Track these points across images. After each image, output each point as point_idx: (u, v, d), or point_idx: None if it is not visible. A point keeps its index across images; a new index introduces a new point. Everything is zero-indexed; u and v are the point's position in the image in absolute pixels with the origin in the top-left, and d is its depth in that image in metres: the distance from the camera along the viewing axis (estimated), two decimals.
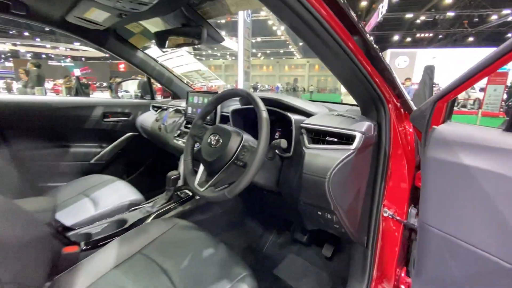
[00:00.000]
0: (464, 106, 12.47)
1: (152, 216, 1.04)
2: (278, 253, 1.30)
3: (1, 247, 0.53)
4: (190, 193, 1.17)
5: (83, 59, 25.75)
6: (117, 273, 0.73)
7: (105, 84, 19.96)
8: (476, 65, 0.54)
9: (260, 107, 0.71)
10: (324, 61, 0.69)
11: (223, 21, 19.67)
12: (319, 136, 0.78)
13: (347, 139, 0.72)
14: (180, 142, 1.27)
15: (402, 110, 0.83)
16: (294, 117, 0.83)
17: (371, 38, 0.65)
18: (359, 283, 0.88)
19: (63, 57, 25.79)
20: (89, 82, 12.50)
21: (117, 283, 0.70)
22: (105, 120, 1.62)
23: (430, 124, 0.66)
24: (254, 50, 29.95)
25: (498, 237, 0.51)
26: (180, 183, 1.21)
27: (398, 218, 0.81)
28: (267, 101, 0.93)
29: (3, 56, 27.20)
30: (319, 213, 0.79)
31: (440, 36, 24.64)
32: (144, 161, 1.83)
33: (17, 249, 0.60)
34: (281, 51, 31.82)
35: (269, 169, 0.86)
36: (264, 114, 0.70)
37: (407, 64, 20.61)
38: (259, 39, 25.92)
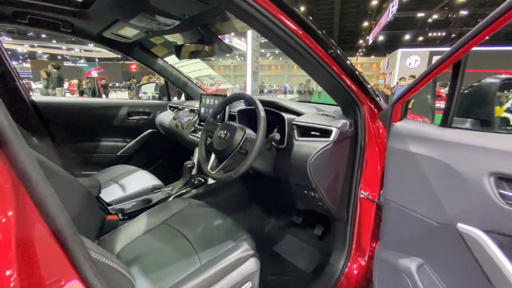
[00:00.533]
0: None
1: (172, 197, 1.26)
2: (277, 234, 1.50)
3: (73, 208, 0.75)
4: (203, 180, 1.38)
5: (96, 59, 26.53)
6: (147, 237, 0.94)
7: (117, 84, 20.51)
8: (422, 74, 0.73)
9: (259, 108, 0.91)
10: (309, 74, 0.88)
11: None
12: (306, 131, 0.98)
13: (326, 133, 0.91)
14: (194, 137, 1.49)
15: (376, 110, 1.01)
16: (287, 116, 1.03)
17: (344, 56, 0.84)
18: (341, 254, 1.07)
19: (78, 58, 26.67)
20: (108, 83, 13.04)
21: (148, 243, 0.91)
22: (130, 118, 1.87)
23: (391, 121, 0.84)
24: (262, 50, 30.07)
25: (429, 203, 0.70)
26: (194, 171, 1.43)
27: (371, 198, 0.99)
28: (267, 103, 1.14)
29: (21, 57, 28.29)
30: (305, 192, 0.99)
31: (453, 36, 24.15)
32: (162, 154, 2.06)
33: (82, 211, 0.83)
34: None
35: (267, 158, 1.07)
36: (262, 113, 0.90)
37: (419, 64, 20.28)
38: None
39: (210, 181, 1.39)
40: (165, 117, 1.83)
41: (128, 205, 1.21)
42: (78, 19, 1.20)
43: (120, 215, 1.09)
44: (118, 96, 12.77)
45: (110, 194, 1.31)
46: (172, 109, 1.88)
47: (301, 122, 0.99)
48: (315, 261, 1.29)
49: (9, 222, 0.26)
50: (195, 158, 1.49)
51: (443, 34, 23.83)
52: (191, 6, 0.90)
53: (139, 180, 1.43)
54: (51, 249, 0.33)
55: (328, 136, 0.90)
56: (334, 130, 0.89)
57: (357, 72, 0.89)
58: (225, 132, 0.99)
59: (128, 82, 12.69)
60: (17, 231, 0.27)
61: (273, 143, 1.05)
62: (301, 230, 1.46)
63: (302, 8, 22.61)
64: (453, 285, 0.67)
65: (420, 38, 25.83)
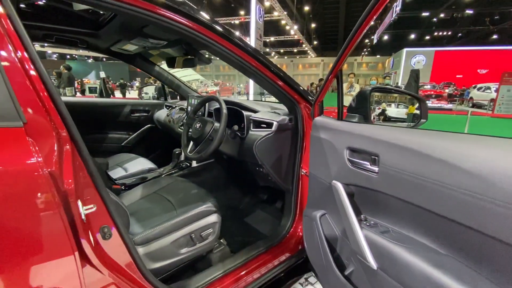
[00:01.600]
0: (480, 106, 12.41)
1: (163, 175, 1.61)
2: (249, 209, 1.84)
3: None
4: (188, 164, 1.74)
5: (104, 59, 27.14)
6: (142, 201, 1.30)
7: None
8: (322, 84, 1.06)
9: (222, 107, 1.25)
10: (258, 84, 1.21)
11: (237, 22, 20.38)
12: (258, 124, 1.32)
13: (270, 125, 1.25)
14: (181, 130, 1.84)
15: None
16: (245, 113, 1.36)
17: (281, 70, 1.16)
18: (288, 217, 1.40)
19: (85, 58, 27.39)
20: (125, 82, 13.56)
21: (141, 205, 1.26)
22: (132, 115, 2.24)
23: (314, 116, 1.17)
24: (267, 50, 30.29)
25: (325, 170, 1.03)
26: (182, 157, 1.78)
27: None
28: (233, 103, 1.48)
29: None
30: (257, 168, 1.33)
31: (460, 35, 23.99)
32: (158, 144, 2.43)
33: None
34: (295, 50, 32.11)
35: (233, 144, 1.41)
36: (224, 111, 1.24)
37: (424, 63, 20.26)
38: (272, 38, 26.34)
39: (194, 164, 1.74)
40: (161, 114, 2.19)
41: (128, 181, 1.57)
42: (92, 38, 1.56)
43: (122, 186, 1.45)
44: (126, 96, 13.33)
45: (115, 174, 1.67)
46: (168, 107, 2.24)
47: (254, 117, 1.33)
48: (274, 227, 1.63)
49: (69, 167, 0.61)
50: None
51: (449, 33, 23.69)
52: (169, 34, 1.26)
53: (139, 164, 1.80)
54: (87, 179, 0.68)
55: (271, 127, 1.24)
56: (275, 123, 1.23)
57: (291, 81, 1.22)
58: (200, 124, 1.34)
59: (145, 82, 13.00)
60: (75, 167, 0.62)
61: (237, 133, 1.39)
62: (267, 205, 1.80)
63: (307, 8, 22.78)
64: (337, 224, 1.01)
65: (427, 37, 25.71)
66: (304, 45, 27.47)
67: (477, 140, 0.61)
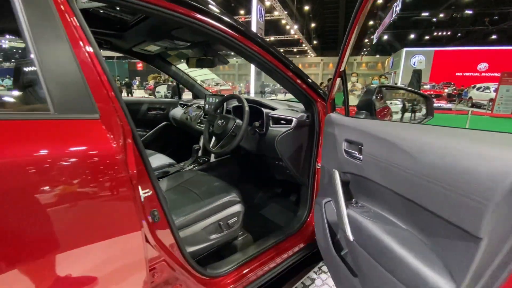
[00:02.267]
0: (479, 106, 12.57)
1: (184, 170, 1.70)
2: (264, 202, 1.93)
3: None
4: (207, 159, 1.82)
5: (103, 58, 27.05)
6: (169, 192, 1.38)
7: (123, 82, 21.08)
8: (330, 82, 1.15)
9: (244, 104, 1.34)
10: (278, 83, 1.29)
11: None
12: (277, 120, 1.40)
13: (289, 122, 1.34)
14: (200, 127, 1.92)
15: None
16: (265, 110, 1.45)
17: (300, 70, 1.25)
18: (304, 209, 1.49)
19: None
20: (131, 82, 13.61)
21: (168, 196, 1.34)
22: (149, 113, 2.32)
23: (327, 113, 1.26)
24: None
25: (331, 161, 1.11)
26: (200, 153, 1.87)
27: None
28: (253, 102, 1.57)
29: None
30: (276, 162, 1.42)
31: (459, 35, 24.16)
32: (173, 141, 2.52)
33: None
34: (295, 50, 32.22)
35: (252, 140, 1.50)
36: (246, 108, 1.33)
37: (424, 64, 20.42)
38: (272, 38, 26.44)
39: (212, 159, 1.83)
40: (177, 112, 2.28)
41: None
42: (116, 39, 1.64)
43: None
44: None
45: None
46: (182, 105, 2.33)
47: (274, 115, 1.42)
48: (290, 220, 1.72)
49: (132, 155, 0.69)
50: (201, 142, 1.93)
51: (449, 33, 23.86)
52: (198, 36, 1.34)
53: (158, 160, 1.87)
54: (142, 167, 0.76)
55: (290, 124, 1.33)
56: (294, 119, 1.32)
57: (310, 80, 1.30)
58: (222, 121, 1.42)
59: (156, 81, 12.73)
60: (135, 156, 0.70)
61: (256, 129, 1.48)
62: (281, 199, 1.89)
63: (307, 8, 22.90)
64: (337, 210, 1.10)
65: (427, 37, 25.88)
66: (304, 45, 27.57)
67: (434, 130, 0.73)
